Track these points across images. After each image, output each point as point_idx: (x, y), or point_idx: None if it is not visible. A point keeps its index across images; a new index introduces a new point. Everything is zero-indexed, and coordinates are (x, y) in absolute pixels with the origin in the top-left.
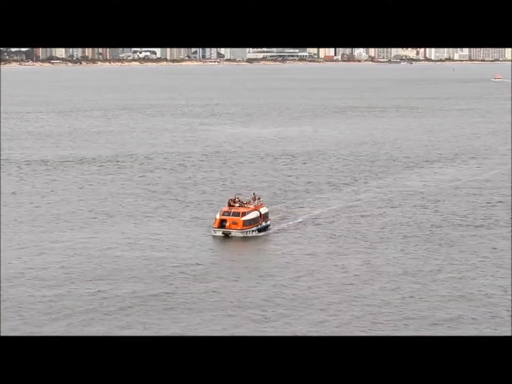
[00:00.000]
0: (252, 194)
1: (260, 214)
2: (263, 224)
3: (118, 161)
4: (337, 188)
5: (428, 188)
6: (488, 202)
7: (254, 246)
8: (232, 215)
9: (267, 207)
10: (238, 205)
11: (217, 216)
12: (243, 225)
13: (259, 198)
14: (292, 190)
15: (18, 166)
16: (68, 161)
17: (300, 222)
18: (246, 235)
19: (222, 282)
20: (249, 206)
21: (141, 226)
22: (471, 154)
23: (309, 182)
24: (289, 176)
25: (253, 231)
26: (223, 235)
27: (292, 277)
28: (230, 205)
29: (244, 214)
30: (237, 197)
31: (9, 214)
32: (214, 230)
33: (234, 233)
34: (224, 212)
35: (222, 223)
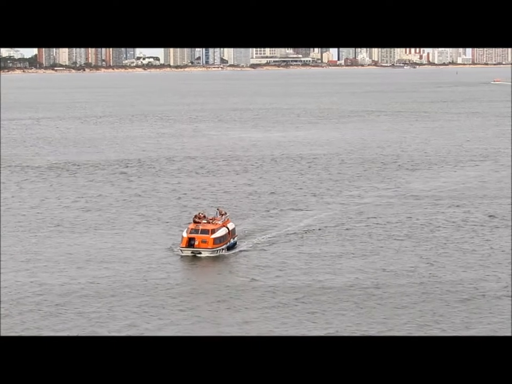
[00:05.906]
0: (216, 209)
1: (228, 230)
2: (231, 241)
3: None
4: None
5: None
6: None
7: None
8: (201, 233)
9: (233, 223)
10: (205, 221)
11: (184, 234)
12: (213, 244)
13: (225, 213)
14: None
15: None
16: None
17: (274, 235)
18: (216, 254)
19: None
20: (217, 222)
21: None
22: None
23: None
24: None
25: (222, 249)
26: (192, 254)
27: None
28: (195, 222)
29: (213, 231)
30: (201, 212)
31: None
32: (181, 250)
33: (204, 252)
34: (192, 229)
35: (190, 242)
